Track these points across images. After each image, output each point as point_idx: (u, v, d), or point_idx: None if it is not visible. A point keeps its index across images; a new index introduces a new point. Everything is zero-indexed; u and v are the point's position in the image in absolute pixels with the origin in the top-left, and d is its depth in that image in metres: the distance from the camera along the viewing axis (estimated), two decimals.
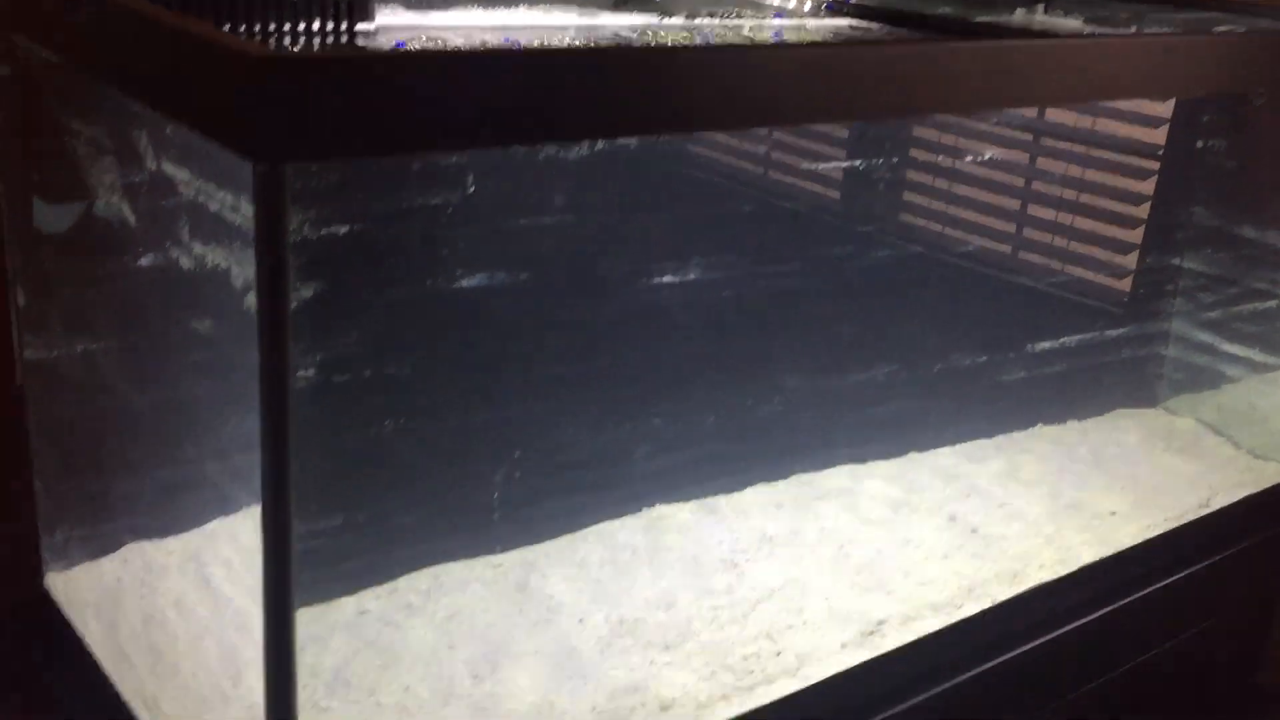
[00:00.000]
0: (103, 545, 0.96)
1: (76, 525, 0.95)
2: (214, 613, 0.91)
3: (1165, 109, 1.32)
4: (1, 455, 0.97)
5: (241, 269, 0.75)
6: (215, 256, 0.76)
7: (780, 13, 1.16)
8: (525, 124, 0.62)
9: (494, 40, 0.90)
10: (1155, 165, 1.33)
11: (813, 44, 1.00)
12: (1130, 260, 1.36)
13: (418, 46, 0.81)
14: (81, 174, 0.80)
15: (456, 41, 0.90)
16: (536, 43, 0.90)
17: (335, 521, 0.90)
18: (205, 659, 0.86)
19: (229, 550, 0.96)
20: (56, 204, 0.83)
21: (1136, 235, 1.36)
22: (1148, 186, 1.34)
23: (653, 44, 0.90)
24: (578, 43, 0.94)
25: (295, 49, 0.64)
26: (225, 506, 0.98)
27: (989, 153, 1.36)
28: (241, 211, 0.68)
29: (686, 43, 0.95)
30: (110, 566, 0.96)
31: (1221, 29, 1.24)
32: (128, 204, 0.81)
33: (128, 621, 0.91)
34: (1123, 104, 1.32)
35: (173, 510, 0.96)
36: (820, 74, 0.75)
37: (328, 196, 0.65)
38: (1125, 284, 1.39)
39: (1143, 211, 1.34)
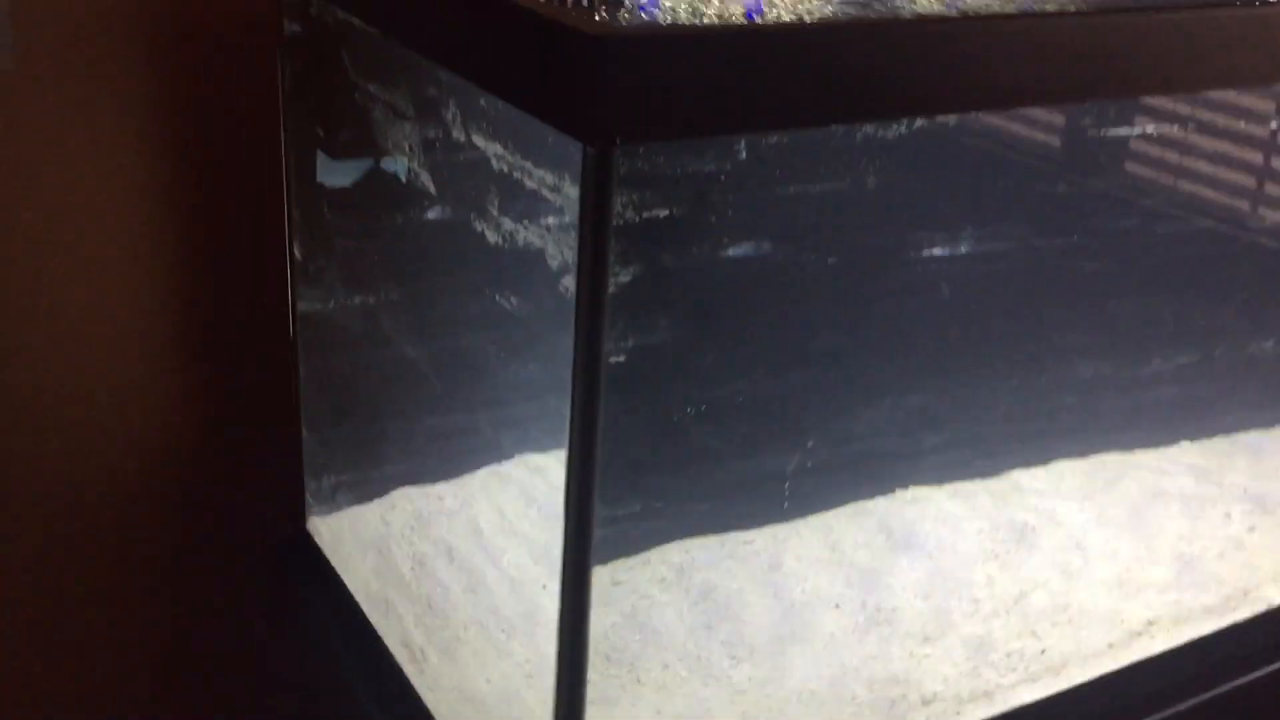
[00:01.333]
0: (369, 491, 0.97)
1: (343, 471, 0.96)
2: (487, 563, 0.91)
3: None
4: (273, 403, 0.99)
5: (523, 228, 0.74)
6: (498, 217, 0.75)
7: None
8: (865, 100, 0.58)
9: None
10: None
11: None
12: None
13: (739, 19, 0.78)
14: (369, 133, 0.80)
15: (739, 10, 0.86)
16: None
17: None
18: (478, 611, 0.87)
19: (502, 498, 0.96)
20: (341, 160, 0.83)
21: None
22: None
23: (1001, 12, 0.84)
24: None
25: (623, 23, 0.61)
26: (496, 454, 0.98)
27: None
28: (548, 184, 0.66)
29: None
30: (377, 510, 0.97)
31: None
32: (412, 163, 0.80)
33: (394, 568, 0.92)
34: None
35: (442, 457, 0.96)
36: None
37: (640, 181, 0.63)
38: None
39: None
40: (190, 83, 0.97)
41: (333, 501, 0.98)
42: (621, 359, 0.62)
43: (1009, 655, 0.91)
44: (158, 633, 1.12)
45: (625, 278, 0.61)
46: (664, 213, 0.66)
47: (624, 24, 0.56)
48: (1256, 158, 1.21)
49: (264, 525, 1.06)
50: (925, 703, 0.86)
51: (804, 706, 0.84)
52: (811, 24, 0.60)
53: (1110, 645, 0.93)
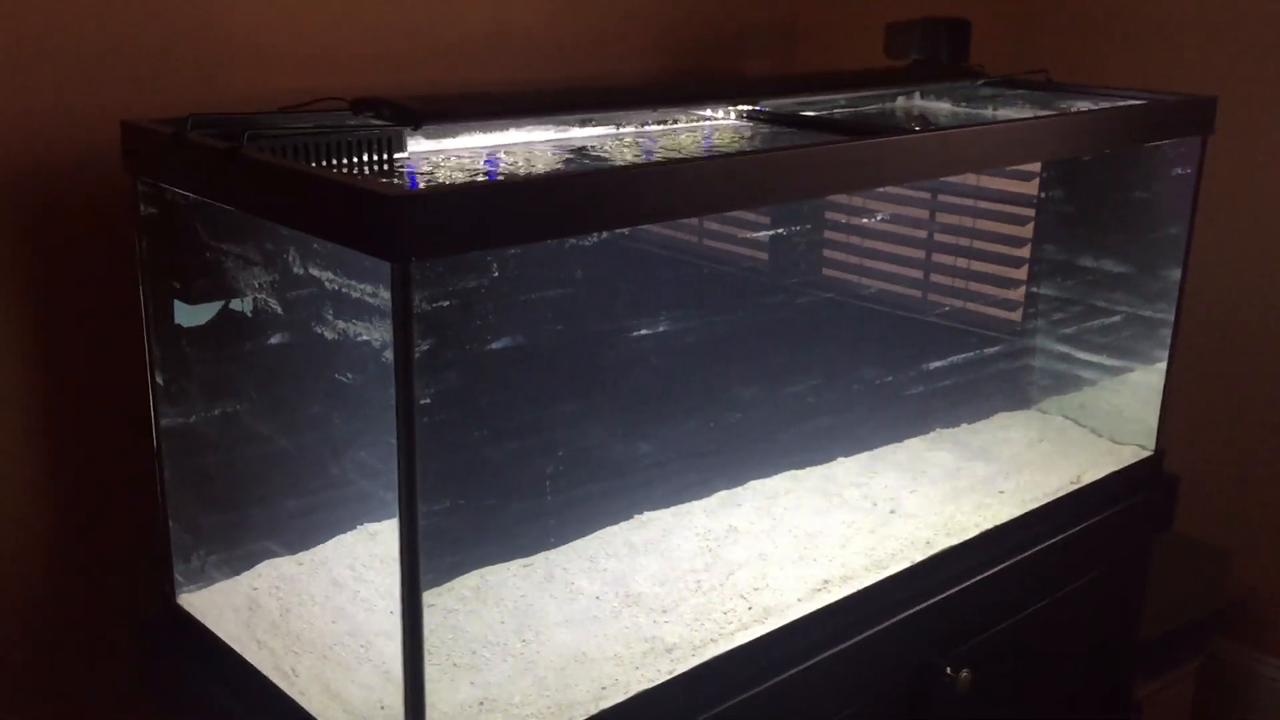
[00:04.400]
0: (236, 566, 1.24)
1: (210, 553, 1.23)
2: (344, 601, 1.19)
3: (1035, 165, 1.66)
4: (140, 504, 1.26)
5: (353, 324, 1.06)
6: (333, 321, 1.07)
7: (709, 117, 1.48)
8: (565, 224, 0.94)
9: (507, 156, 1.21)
10: (1032, 213, 1.67)
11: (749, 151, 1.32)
12: (1017, 294, 1.70)
13: (455, 174, 1.12)
14: (220, 281, 1.10)
15: (476, 164, 1.20)
16: (551, 162, 1.21)
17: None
18: (338, 635, 1.15)
19: (350, 557, 1.25)
20: (195, 304, 1.12)
21: (1022, 273, 1.70)
22: (1026, 230, 1.67)
23: (634, 162, 1.22)
24: (561, 154, 1.25)
25: (399, 183, 0.94)
26: (343, 525, 1.27)
27: (889, 213, 1.68)
28: (369, 292, 0.99)
29: (654, 158, 1.26)
30: (246, 580, 1.24)
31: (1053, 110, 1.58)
32: (259, 297, 1.11)
33: (264, 617, 1.19)
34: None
35: (298, 532, 1.24)
36: (751, 172, 1.07)
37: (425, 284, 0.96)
38: (1015, 314, 1.72)
39: (1025, 251, 1.68)
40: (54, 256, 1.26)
41: (203, 577, 1.24)
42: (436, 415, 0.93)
43: (726, 613, 1.24)
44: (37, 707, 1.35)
45: (425, 346, 0.93)
46: (447, 303, 1.00)
47: (405, 186, 0.89)
48: (864, 244, 1.64)
49: (135, 606, 1.32)
50: (668, 650, 1.18)
51: (579, 664, 1.15)
52: (535, 175, 0.94)
53: (799, 599, 1.27)
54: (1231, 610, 2.00)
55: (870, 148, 1.22)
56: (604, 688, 1.11)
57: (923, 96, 1.67)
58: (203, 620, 1.22)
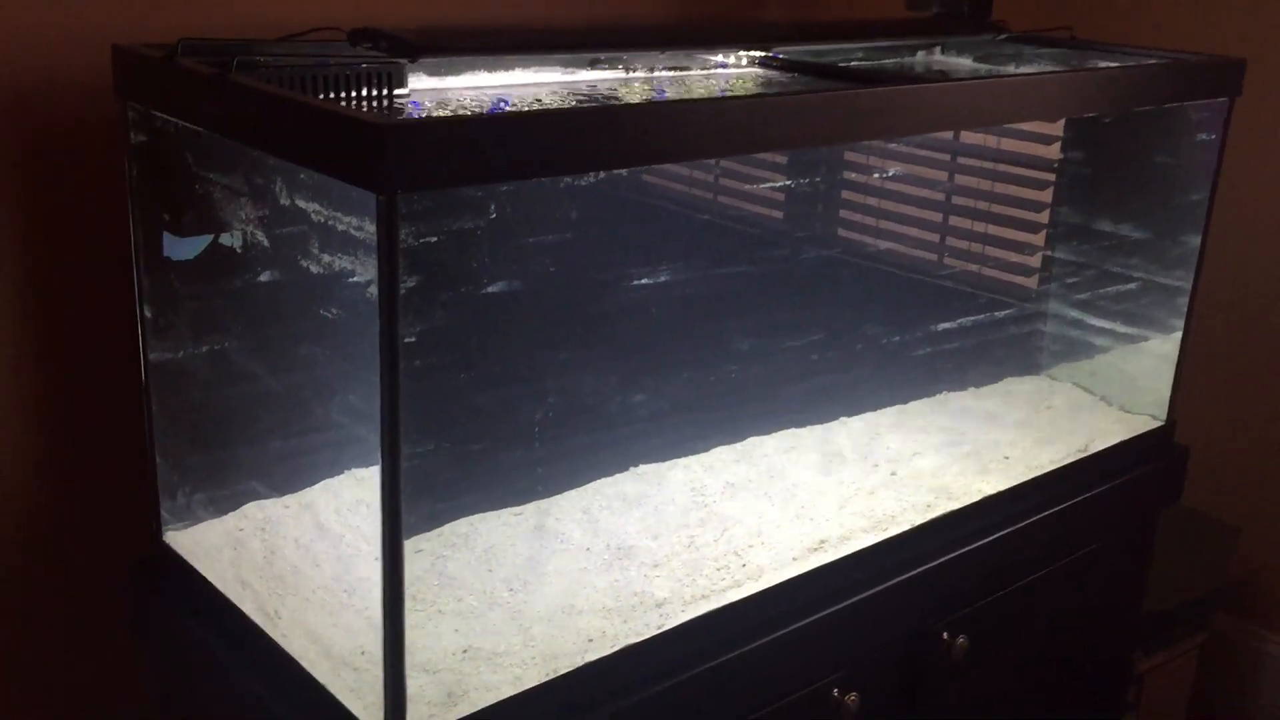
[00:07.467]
0: (222, 507, 1.22)
1: (197, 492, 1.21)
2: (328, 546, 1.17)
3: (1056, 128, 1.62)
4: (127, 440, 1.24)
5: (339, 258, 1.03)
6: (319, 254, 1.04)
7: (723, 64, 1.44)
8: (556, 161, 0.90)
9: (511, 97, 1.18)
10: (1051, 176, 1.63)
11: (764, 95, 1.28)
12: (1034, 259, 1.66)
13: (460, 109, 1.09)
14: (209, 213, 1.07)
15: (477, 100, 1.17)
16: (546, 101, 1.18)
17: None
18: (323, 579, 1.13)
19: (337, 501, 1.23)
20: (185, 237, 1.09)
21: (1039, 238, 1.66)
22: (1045, 195, 1.63)
23: (634, 99, 1.18)
24: (567, 96, 1.22)
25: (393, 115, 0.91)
26: (330, 470, 1.24)
27: (891, 170, 1.65)
28: (354, 225, 0.96)
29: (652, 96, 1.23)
30: (232, 521, 1.22)
31: (1073, 67, 1.54)
32: (247, 230, 1.08)
33: (249, 558, 1.17)
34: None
35: (284, 475, 1.22)
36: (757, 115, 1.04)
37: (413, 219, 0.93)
38: (1030, 279, 1.68)
39: (1043, 217, 1.64)
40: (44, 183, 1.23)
41: (190, 516, 1.22)
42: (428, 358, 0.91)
43: (719, 570, 1.22)
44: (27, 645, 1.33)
45: (410, 283, 0.90)
46: (435, 239, 0.97)
47: (399, 116, 0.86)
48: (879, 204, 1.60)
49: (123, 543, 1.30)
50: (658, 605, 1.16)
51: (567, 615, 1.13)
52: (530, 109, 0.91)
53: (794, 558, 1.25)
54: (1237, 586, 1.98)
55: (880, 96, 1.18)
56: (590, 640, 1.09)
57: (943, 51, 1.63)
58: (189, 559, 1.20)
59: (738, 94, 1.26)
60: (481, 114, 0.98)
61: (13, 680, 1.37)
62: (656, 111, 0.98)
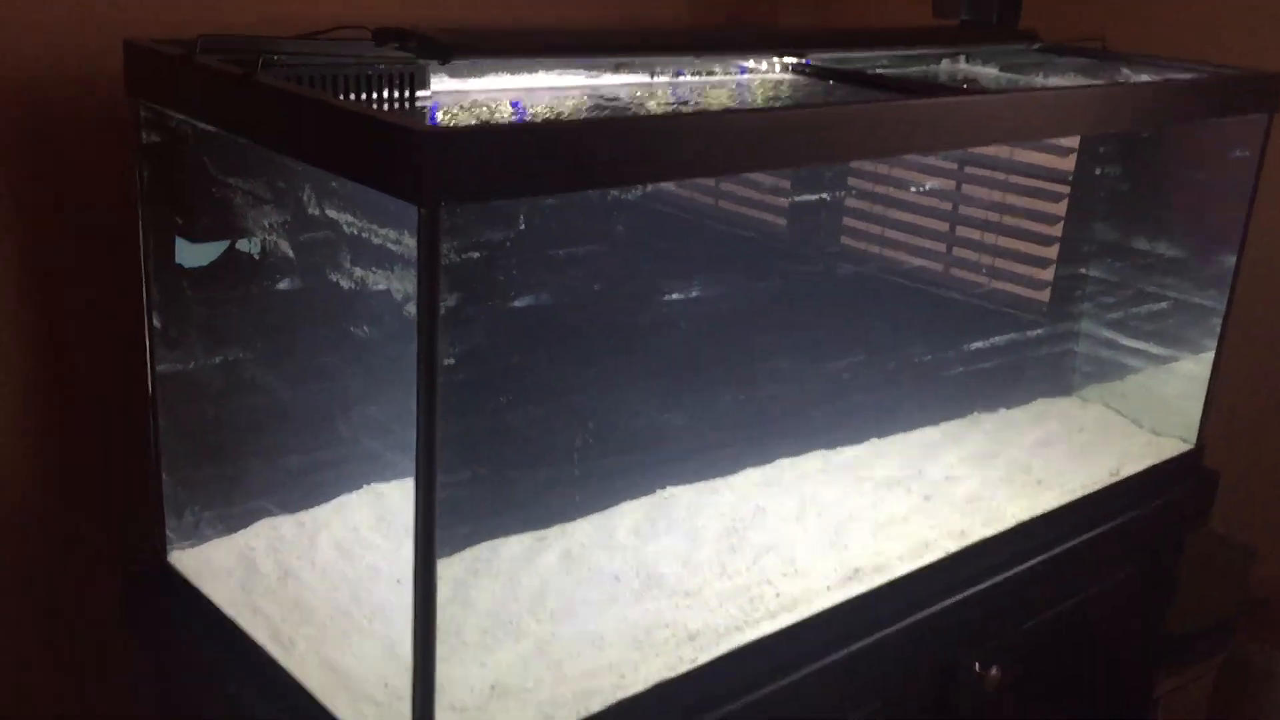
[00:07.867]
0: (232, 524, 1.16)
1: (206, 509, 1.14)
2: (347, 567, 1.11)
3: (1072, 140, 1.57)
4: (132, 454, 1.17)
5: (371, 272, 0.97)
6: (349, 268, 0.98)
7: (744, 69, 1.39)
8: (611, 173, 0.85)
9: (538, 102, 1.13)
10: (1066, 189, 1.58)
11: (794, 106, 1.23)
12: (1047, 274, 1.61)
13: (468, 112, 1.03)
14: (226, 219, 1.01)
15: (507, 105, 1.12)
16: (571, 108, 1.13)
17: None
18: (342, 604, 1.07)
19: (355, 518, 1.16)
20: (199, 243, 1.03)
21: (1052, 251, 1.61)
22: (1059, 208, 1.59)
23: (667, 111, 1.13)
24: (594, 102, 1.16)
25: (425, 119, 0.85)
26: (348, 485, 1.18)
27: (927, 184, 1.60)
28: (391, 239, 0.89)
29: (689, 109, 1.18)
30: (241, 539, 1.16)
31: (1106, 80, 1.50)
32: (268, 238, 1.02)
33: (260, 580, 1.11)
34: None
35: (299, 491, 1.16)
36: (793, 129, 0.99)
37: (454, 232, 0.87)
38: (1043, 294, 1.63)
39: (1056, 230, 1.59)
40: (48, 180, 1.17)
41: (196, 534, 1.16)
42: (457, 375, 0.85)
43: (752, 600, 1.16)
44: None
45: (450, 302, 0.84)
46: (476, 255, 0.91)
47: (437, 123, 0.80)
48: (912, 220, 1.55)
49: (125, 562, 1.24)
50: (691, 638, 1.10)
51: (595, 648, 1.08)
52: (581, 119, 0.85)
53: (828, 587, 1.20)
54: (1255, 609, 1.94)
55: (930, 108, 1.13)
56: (623, 676, 1.04)
57: (969, 59, 1.58)
58: (195, 582, 1.14)
59: (797, 104, 1.21)
60: (532, 122, 0.91)
61: (12, 704, 1.30)
62: (714, 122, 0.93)
